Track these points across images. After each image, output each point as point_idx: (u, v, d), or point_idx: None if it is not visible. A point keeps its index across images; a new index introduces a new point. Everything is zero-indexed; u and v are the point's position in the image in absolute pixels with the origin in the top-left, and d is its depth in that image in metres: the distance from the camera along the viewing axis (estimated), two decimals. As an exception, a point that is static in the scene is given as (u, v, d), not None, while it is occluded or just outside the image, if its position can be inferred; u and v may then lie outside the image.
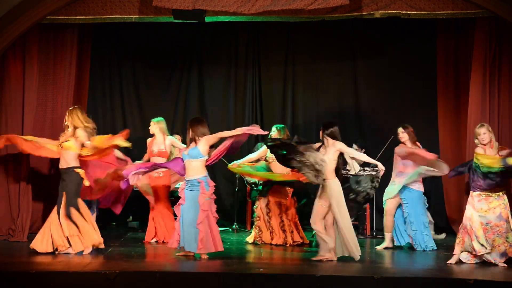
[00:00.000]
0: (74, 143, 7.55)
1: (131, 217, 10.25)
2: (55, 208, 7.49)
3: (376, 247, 8.29)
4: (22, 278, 6.24)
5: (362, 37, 10.60)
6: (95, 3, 8.65)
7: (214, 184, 7.36)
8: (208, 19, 8.66)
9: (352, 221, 9.11)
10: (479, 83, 8.67)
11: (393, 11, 8.55)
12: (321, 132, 7.39)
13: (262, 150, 8.67)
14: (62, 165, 7.54)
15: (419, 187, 8.22)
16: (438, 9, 8.50)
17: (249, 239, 8.71)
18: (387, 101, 10.53)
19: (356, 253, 7.20)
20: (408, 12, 8.53)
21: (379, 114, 10.48)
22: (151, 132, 8.85)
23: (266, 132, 7.57)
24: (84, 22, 8.80)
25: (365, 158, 7.39)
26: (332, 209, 7.15)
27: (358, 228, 9.50)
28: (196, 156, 7.23)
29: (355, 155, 7.34)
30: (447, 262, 7.15)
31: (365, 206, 7.90)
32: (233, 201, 10.06)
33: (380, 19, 8.85)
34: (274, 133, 8.68)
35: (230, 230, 9.94)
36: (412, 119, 10.05)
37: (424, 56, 10.26)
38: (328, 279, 6.28)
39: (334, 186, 7.17)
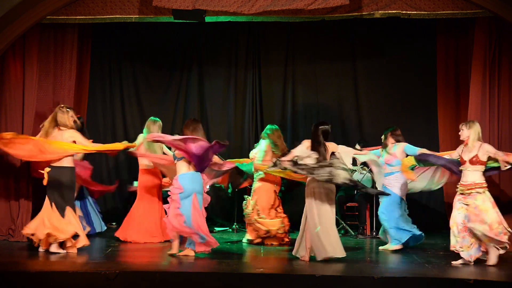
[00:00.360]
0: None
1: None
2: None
3: (380, 247, 8.28)
4: (22, 278, 6.25)
5: (362, 37, 10.60)
6: (95, 3, 8.66)
7: (180, 187, 7.21)
8: (208, 19, 8.66)
9: (351, 221, 9.10)
10: (479, 83, 8.67)
11: (393, 11, 8.55)
12: None
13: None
14: None
15: (396, 190, 8.07)
16: (438, 9, 8.50)
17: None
18: (387, 101, 10.53)
19: (322, 254, 7.04)
20: (408, 12, 8.53)
21: (379, 114, 10.47)
22: None
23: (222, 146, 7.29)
24: (84, 22, 8.81)
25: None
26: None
27: (358, 228, 9.51)
28: (173, 158, 7.43)
29: (298, 153, 7.20)
30: (453, 263, 7.13)
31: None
32: (233, 201, 10.05)
33: (380, 19, 8.85)
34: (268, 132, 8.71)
35: (230, 230, 9.94)
36: (412, 119, 10.08)
37: (424, 56, 10.27)
38: (328, 279, 6.28)
39: (309, 183, 7.21)
